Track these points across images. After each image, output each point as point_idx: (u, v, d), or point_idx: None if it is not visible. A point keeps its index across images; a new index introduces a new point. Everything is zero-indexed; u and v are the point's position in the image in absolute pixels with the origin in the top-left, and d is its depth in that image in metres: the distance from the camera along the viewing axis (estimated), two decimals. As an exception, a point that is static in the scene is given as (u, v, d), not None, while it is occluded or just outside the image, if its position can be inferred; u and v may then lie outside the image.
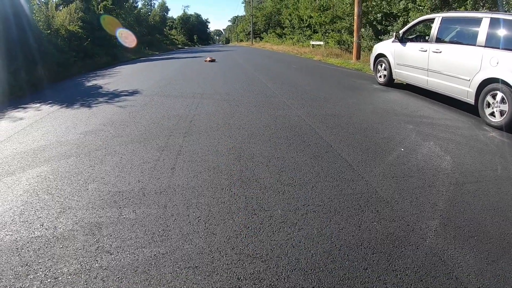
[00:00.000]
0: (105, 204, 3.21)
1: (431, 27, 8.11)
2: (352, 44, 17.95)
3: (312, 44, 28.49)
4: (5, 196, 3.51)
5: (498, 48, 6.10)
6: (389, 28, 16.74)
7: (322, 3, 28.65)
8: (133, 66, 19.42)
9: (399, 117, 6.22)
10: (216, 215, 2.96)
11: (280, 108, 6.86)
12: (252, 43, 62.43)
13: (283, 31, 43.28)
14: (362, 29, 17.25)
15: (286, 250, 2.46)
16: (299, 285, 2.13)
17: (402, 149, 4.46)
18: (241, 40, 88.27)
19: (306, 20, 32.30)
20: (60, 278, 2.23)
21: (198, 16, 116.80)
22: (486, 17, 6.58)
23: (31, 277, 2.26)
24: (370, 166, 3.88)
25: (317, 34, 29.29)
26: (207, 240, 2.61)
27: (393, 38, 9.38)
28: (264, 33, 59.07)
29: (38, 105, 8.58)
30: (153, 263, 2.36)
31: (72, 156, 4.55)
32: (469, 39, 6.86)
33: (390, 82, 9.62)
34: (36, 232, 2.80)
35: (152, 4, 72.31)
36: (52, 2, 26.28)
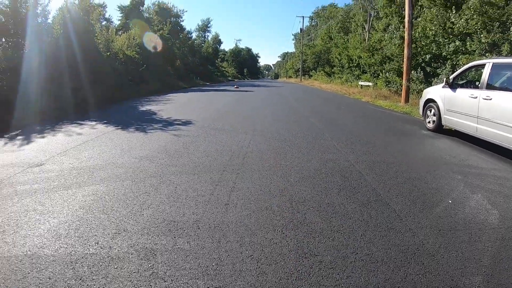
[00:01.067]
0: (160, 232, 3.47)
1: (482, 73, 8.07)
2: (401, 86, 18.02)
3: (361, 85, 28.66)
4: (61, 209, 3.90)
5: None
6: (438, 70, 16.74)
7: (371, 44, 28.89)
8: (185, 95, 20.32)
9: (448, 166, 6.21)
10: (268, 255, 3.12)
11: (330, 152, 6.98)
12: (300, 80, 63.12)
13: (332, 70, 43.83)
14: (412, 71, 17.29)
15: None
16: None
17: (450, 201, 4.52)
18: (290, 76, 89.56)
19: (355, 60, 32.59)
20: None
21: (249, 50, 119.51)
22: None
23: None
24: (418, 218, 3.95)
25: (365, 75, 29.50)
26: (258, 279, 2.78)
27: (443, 83, 9.44)
28: (313, 70, 59.83)
29: (93, 123, 9.34)
30: (207, 295, 2.58)
31: (127, 179, 4.93)
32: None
33: (439, 128, 9.59)
34: (91, 249, 3.10)
35: (206, 36, 74.96)
36: (112, 27, 27.98)
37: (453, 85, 9.02)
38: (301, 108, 14.48)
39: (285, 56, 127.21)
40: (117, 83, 18.75)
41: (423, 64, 18.65)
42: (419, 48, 18.92)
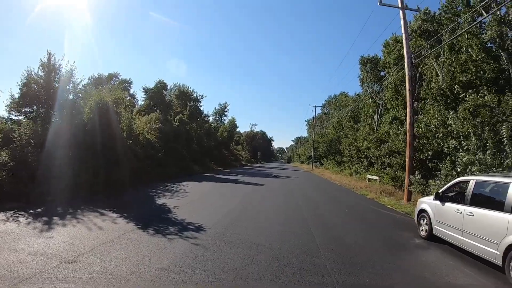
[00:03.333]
0: None
1: (467, 187, 8.70)
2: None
3: (368, 178, 29.25)
4: None
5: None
6: (440, 165, 17.19)
7: (379, 136, 29.79)
8: (198, 188, 20.81)
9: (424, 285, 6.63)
10: None
11: (321, 274, 7.10)
12: (312, 167, 64.46)
13: (342, 159, 44.74)
14: (411, 176, 17.71)
15: None
16: None
17: None
18: (302, 162, 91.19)
19: (363, 152, 33.45)
20: None
21: (263, 133, 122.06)
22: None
23: None
24: None
25: (373, 168, 30.23)
26: None
27: (433, 196, 10.02)
28: (325, 158, 60.90)
29: (114, 215, 10.09)
30: None
31: None
32: (499, 204, 7.39)
33: (431, 237, 9.93)
34: None
35: (222, 120, 77.07)
36: (136, 109, 29.30)
37: (442, 198, 9.54)
38: (305, 214, 14.35)
39: (298, 140, 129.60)
40: (137, 168, 19.44)
41: (426, 161, 19.21)
42: (421, 146, 19.62)
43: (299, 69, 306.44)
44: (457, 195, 9.63)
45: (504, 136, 12.74)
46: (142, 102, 40.82)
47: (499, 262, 6.97)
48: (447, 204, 9.23)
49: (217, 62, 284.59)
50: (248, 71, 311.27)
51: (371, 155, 30.67)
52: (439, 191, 9.96)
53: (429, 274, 7.26)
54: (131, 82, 46.48)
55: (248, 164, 75.00)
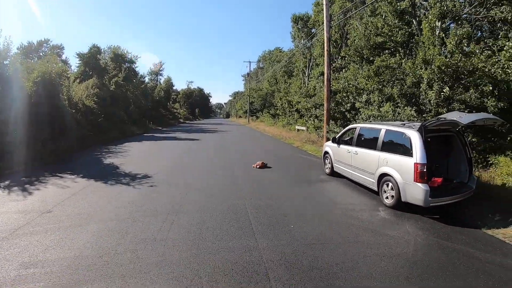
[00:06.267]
0: (138, 241, 6.15)
1: (354, 133, 11.49)
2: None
3: (297, 129, 32.03)
4: (80, 236, 6.78)
5: (387, 151, 9.32)
6: (356, 117, 20.00)
7: (308, 90, 32.33)
8: (139, 146, 22.49)
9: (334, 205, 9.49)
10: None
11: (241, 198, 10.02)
12: (248, 121, 66.44)
13: (276, 112, 47.12)
14: (328, 126, 20.41)
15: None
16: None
17: (292, 226, 7.50)
18: (240, 116, 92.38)
19: (295, 105, 35.92)
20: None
21: (201, 90, 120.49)
22: (383, 128, 9.89)
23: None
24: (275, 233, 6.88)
25: (302, 119, 32.85)
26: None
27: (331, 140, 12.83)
28: (260, 112, 62.93)
29: (73, 176, 12.04)
30: None
31: (114, 220, 7.77)
32: (373, 144, 10.04)
33: (333, 173, 12.75)
34: (99, 252, 5.62)
35: (159, 79, 75.98)
36: (72, 74, 29.45)
37: (339, 142, 12.27)
38: (234, 160, 17.16)
39: (235, 95, 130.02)
40: (79, 135, 20.48)
41: (345, 113, 22.10)
42: (340, 100, 22.43)
43: (237, 24, 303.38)
44: (350, 139, 12.03)
45: (398, 93, 15.28)
46: (77, 68, 40.14)
47: (375, 188, 9.72)
48: (341, 146, 12.01)
49: (152, 23, 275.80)
50: (184, 28, 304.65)
51: (301, 108, 33.01)
52: (336, 136, 12.69)
53: (329, 199, 10.12)
54: (63, 47, 45.32)
55: (187, 122, 75.24)
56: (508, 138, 12.23)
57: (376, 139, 9.91)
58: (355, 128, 11.54)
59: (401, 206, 8.63)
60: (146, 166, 14.45)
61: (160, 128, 44.82)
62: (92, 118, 25.93)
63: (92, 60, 39.37)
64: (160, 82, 74.95)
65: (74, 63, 42.83)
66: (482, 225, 7.74)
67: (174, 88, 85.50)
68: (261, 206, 9.02)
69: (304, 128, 30.39)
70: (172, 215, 8.11)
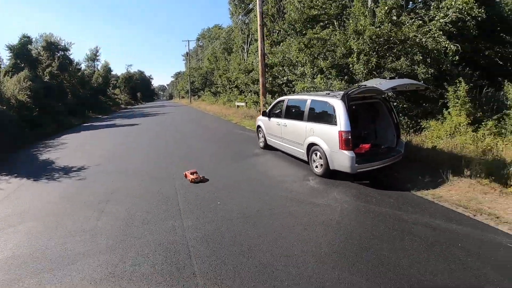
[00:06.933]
0: (72, 232, 6.01)
1: (283, 106, 11.41)
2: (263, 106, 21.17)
3: (237, 105, 31.86)
4: (16, 233, 6.45)
5: (313, 121, 9.33)
6: (293, 90, 20.05)
7: (247, 65, 32.14)
8: (77, 138, 21.40)
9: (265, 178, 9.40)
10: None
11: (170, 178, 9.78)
12: (190, 101, 65.37)
13: (217, 90, 46.75)
14: (269, 95, 20.45)
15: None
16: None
17: (219, 203, 7.39)
18: (183, 97, 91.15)
19: (234, 81, 35.71)
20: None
21: (141, 73, 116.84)
22: (309, 98, 9.88)
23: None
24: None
25: (242, 95, 32.81)
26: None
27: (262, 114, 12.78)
28: (202, 91, 62.29)
29: (7, 177, 11.17)
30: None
31: (46, 216, 7.31)
32: (300, 115, 10.03)
33: (267, 146, 12.70)
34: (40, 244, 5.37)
35: (96, 66, 72.83)
36: (2, 71, 27.82)
37: (270, 115, 12.19)
38: (171, 142, 16.92)
39: (177, 76, 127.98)
40: (14, 132, 19.05)
41: (283, 86, 22.16)
42: (277, 73, 22.45)
43: (174, 2, 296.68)
44: (280, 112, 11.87)
45: (326, 65, 15.35)
46: (8, 62, 37.74)
47: (306, 158, 9.74)
48: (272, 119, 11.94)
49: (87, 7, 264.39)
50: (121, 10, 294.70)
51: (240, 84, 32.95)
52: (267, 110, 12.61)
53: (260, 173, 10.06)
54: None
55: (128, 107, 72.58)
56: (439, 102, 12.59)
57: (303, 110, 9.91)
58: (284, 100, 11.48)
59: (331, 174, 8.71)
60: (82, 157, 13.77)
61: (100, 116, 43.10)
62: (27, 113, 24.31)
63: (23, 51, 37.16)
64: (98, 69, 71.89)
65: (5, 57, 40.19)
66: (412, 188, 7.91)
67: (113, 73, 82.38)
68: (191, 185, 8.84)
69: (243, 104, 30.32)
70: (103, 203, 7.78)
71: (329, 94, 9.37)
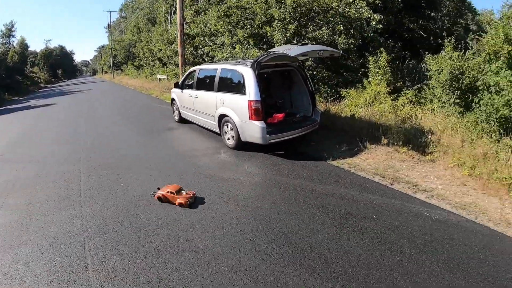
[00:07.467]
0: None
1: (195, 76, 10.82)
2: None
3: (159, 78, 30.74)
4: None
5: (223, 91, 8.81)
6: (214, 60, 19.42)
7: (169, 37, 31.02)
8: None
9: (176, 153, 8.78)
10: None
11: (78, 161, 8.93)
12: (113, 76, 62.56)
13: (140, 63, 45.10)
14: (189, 67, 19.67)
15: None
16: None
17: (122, 184, 6.76)
18: (106, 72, 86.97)
19: (156, 53, 34.44)
20: None
21: (62, 48, 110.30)
22: (219, 67, 9.38)
23: None
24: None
25: (165, 67, 31.72)
26: None
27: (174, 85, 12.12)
28: (125, 65, 59.92)
29: None
30: None
31: None
32: (211, 86, 9.47)
33: (182, 120, 12.05)
34: None
35: (11, 42, 67.43)
36: None
37: (183, 87, 11.51)
38: (84, 121, 15.25)
39: (100, 50, 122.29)
40: None
41: (204, 57, 21.46)
42: (198, 43, 21.69)
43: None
44: (192, 83, 11.29)
45: (243, 34, 14.81)
46: None
47: (218, 130, 9.23)
48: (185, 91, 11.25)
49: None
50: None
51: (162, 56, 31.97)
52: (179, 81, 11.92)
53: (172, 147, 9.47)
54: None
55: (48, 86, 67.42)
56: (360, 72, 12.59)
57: (213, 79, 9.35)
58: (195, 70, 10.85)
59: (243, 146, 8.32)
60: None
61: (17, 98, 39.89)
62: None
63: None
64: (13, 45, 66.29)
65: None
66: (328, 157, 7.71)
67: (30, 49, 76.44)
68: (97, 167, 8.01)
69: (164, 76, 29.24)
70: (2, 198, 6.73)
71: (239, 62, 8.89)
